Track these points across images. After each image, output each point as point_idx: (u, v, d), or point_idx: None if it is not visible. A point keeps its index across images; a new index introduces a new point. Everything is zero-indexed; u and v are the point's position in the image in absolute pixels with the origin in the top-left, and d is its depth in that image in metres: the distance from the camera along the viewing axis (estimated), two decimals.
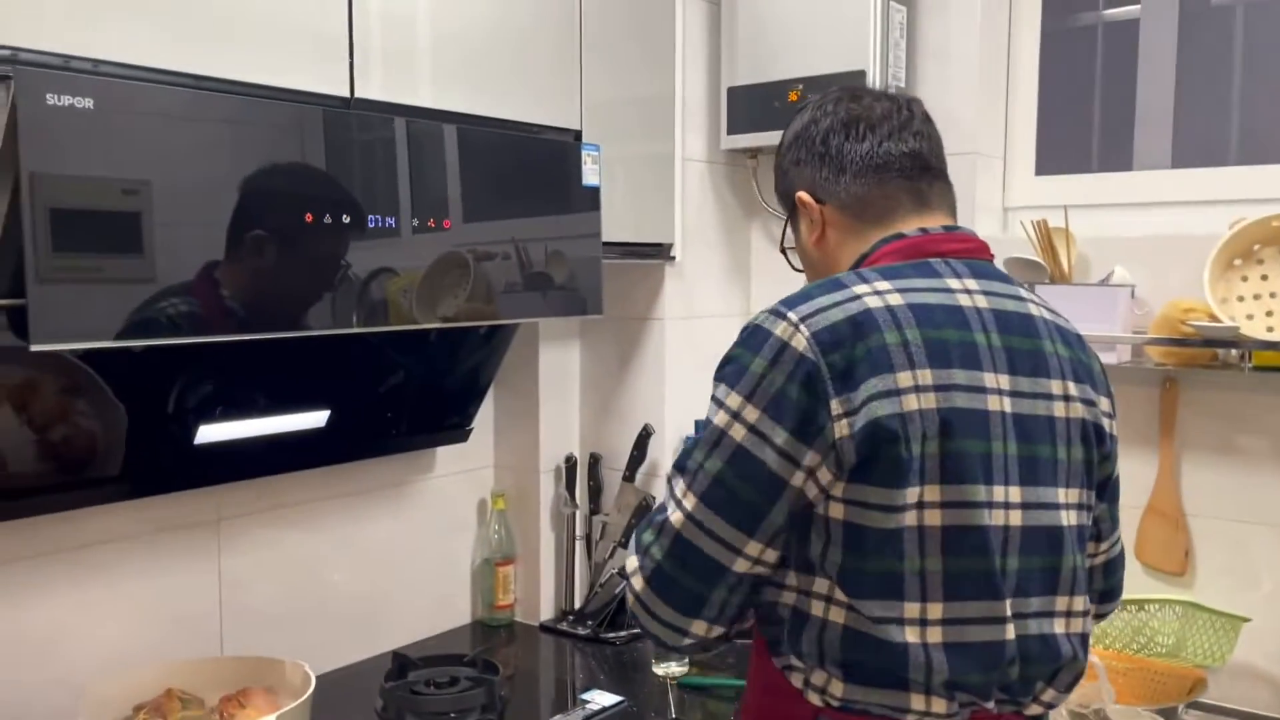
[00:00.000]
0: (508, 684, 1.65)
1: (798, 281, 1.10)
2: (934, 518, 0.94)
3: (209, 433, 1.49)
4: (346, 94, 1.32)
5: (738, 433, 0.96)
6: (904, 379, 0.94)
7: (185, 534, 1.55)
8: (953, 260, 1.04)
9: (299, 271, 1.25)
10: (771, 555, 0.98)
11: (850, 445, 0.93)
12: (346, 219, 1.27)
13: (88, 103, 1.03)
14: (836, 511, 0.96)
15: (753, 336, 0.98)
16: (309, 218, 1.23)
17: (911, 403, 0.93)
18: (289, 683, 1.40)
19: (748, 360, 0.97)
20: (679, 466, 1.01)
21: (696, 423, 1.88)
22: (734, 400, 0.96)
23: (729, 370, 0.98)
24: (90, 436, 1.41)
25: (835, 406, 0.93)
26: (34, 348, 1.02)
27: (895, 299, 0.97)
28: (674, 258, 1.90)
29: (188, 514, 1.56)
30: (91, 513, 1.45)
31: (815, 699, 0.99)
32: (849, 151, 1.08)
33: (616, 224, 1.69)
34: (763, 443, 0.94)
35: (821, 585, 0.98)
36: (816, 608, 0.99)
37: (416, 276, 1.35)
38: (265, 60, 1.23)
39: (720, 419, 0.97)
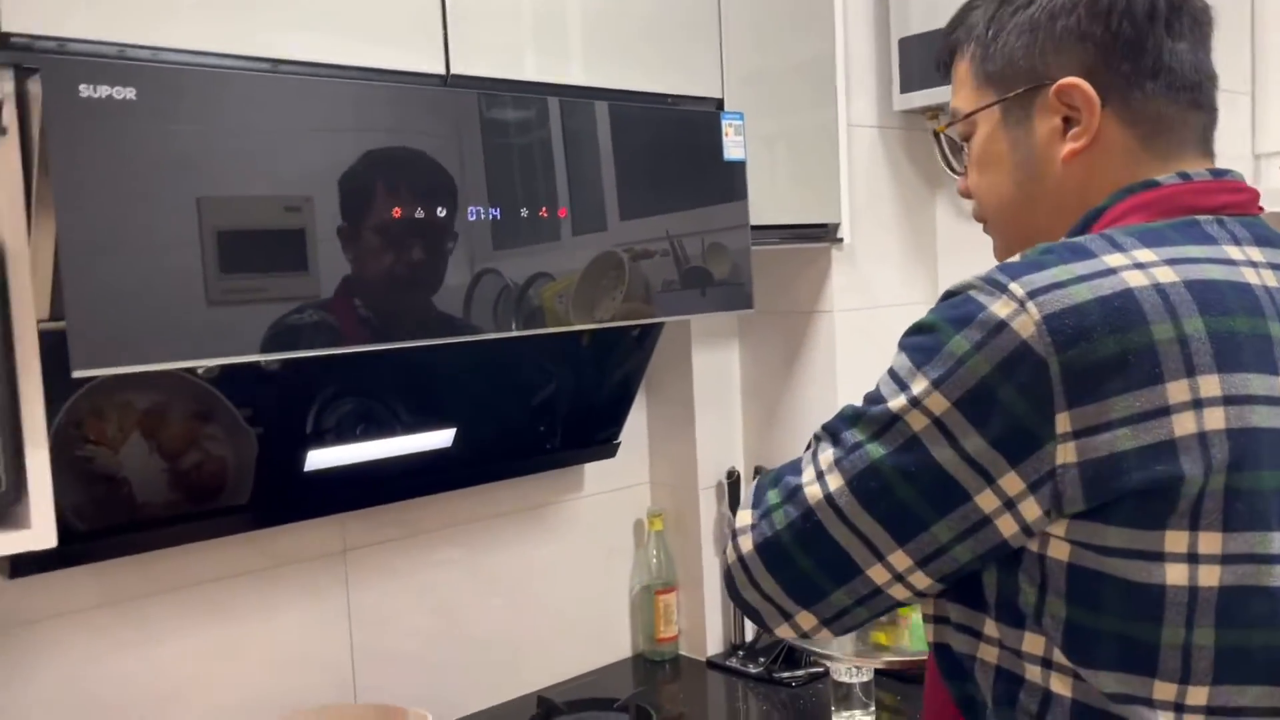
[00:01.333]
0: None
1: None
2: (1210, 576, 0.68)
3: (335, 456, 1.38)
4: (443, 71, 1.15)
5: (916, 422, 0.74)
6: (1177, 391, 0.67)
7: (310, 567, 1.44)
8: (1227, 219, 0.76)
9: (443, 273, 1.11)
10: (924, 582, 0.77)
11: (1077, 479, 0.68)
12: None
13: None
14: (1058, 551, 0.71)
15: (957, 307, 0.73)
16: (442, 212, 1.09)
17: (1188, 424, 0.67)
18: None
19: (946, 336, 0.73)
20: (831, 431, 0.81)
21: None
22: (919, 382, 0.74)
23: (918, 343, 0.75)
24: (220, 463, 1.32)
25: (1064, 423, 0.68)
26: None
27: (1166, 275, 0.70)
28: (841, 240, 1.65)
29: (315, 545, 1.45)
30: (214, 546, 1.35)
31: None
32: (1167, 49, 0.79)
33: (775, 204, 1.47)
34: (946, 443, 0.73)
35: (1034, 644, 0.74)
36: (1032, 672, 0.75)
37: (573, 280, 1.21)
38: (363, 39, 1.08)
39: (896, 402, 0.75)
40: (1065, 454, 0.68)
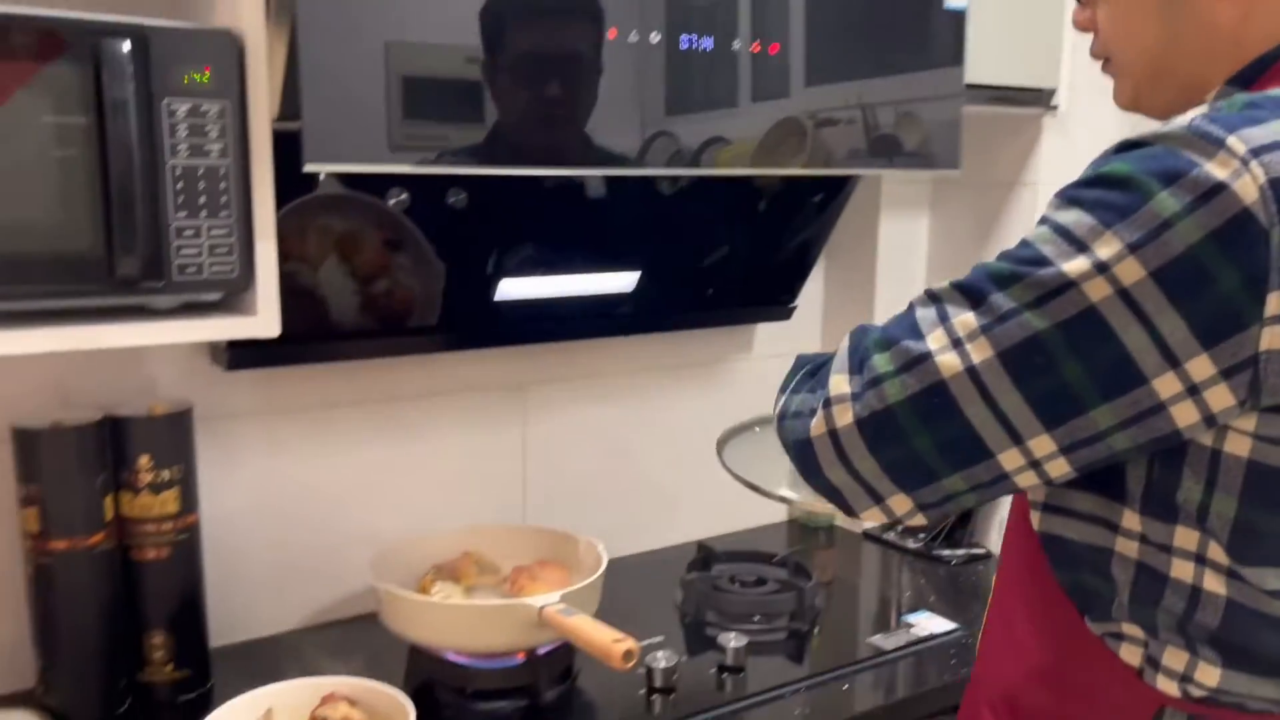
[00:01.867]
0: (821, 592, 1.46)
1: None
2: None
3: (521, 288, 1.40)
4: None
5: (1096, 291, 0.65)
6: None
7: (492, 396, 1.49)
8: None
9: (638, 103, 1.08)
10: (1061, 470, 0.70)
11: None
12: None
13: None
14: (1237, 447, 0.66)
15: (1159, 160, 0.64)
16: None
17: None
18: (582, 561, 1.30)
19: (1148, 192, 0.63)
20: (971, 291, 0.70)
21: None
22: (1107, 245, 0.64)
23: (1106, 199, 0.65)
24: (408, 291, 1.37)
25: (1276, 304, 0.62)
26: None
27: None
28: (1055, 107, 1.54)
29: (496, 376, 1.49)
30: (404, 365, 1.41)
31: (1167, 686, 0.73)
32: None
33: (981, 62, 1.38)
34: (1133, 317, 0.64)
35: (1188, 539, 0.70)
36: (1181, 569, 0.71)
37: (751, 144, 1.17)
38: None
39: (1073, 265, 0.65)
40: (1272, 339, 0.62)
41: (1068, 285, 0.66)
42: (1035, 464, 0.70)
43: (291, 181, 0.97)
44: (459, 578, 1.29)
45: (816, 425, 0.75)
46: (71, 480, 1.07)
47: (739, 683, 1.22)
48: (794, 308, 1.68)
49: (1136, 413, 0.66)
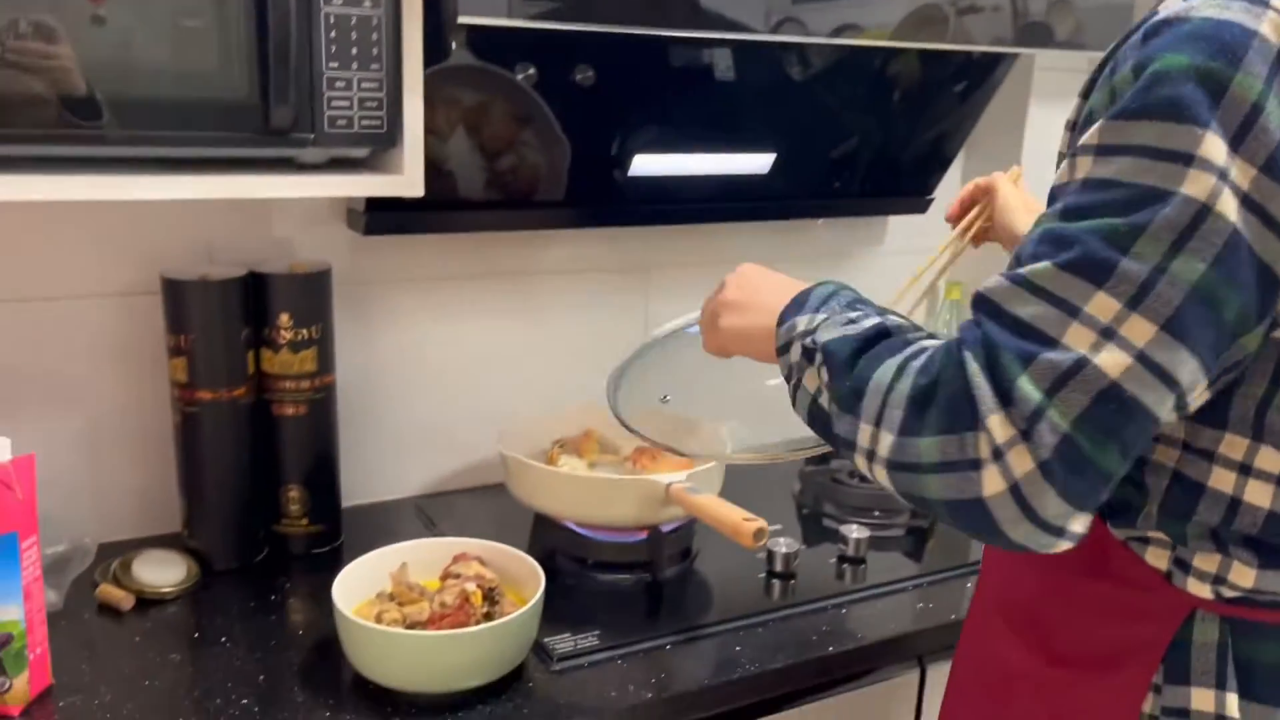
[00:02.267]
0: None
1: None
2: None
3: (647, 166, 1.37)
4: None
5: (1227, 207, 0.59)
6: None
7: (617, 276, 1.47)
8: None
9: None
10: (1201, 399, 0.66)
11: None
12: None
13: None
14: None
15: (1211, 38, 0.59)
16: None
17: None
18: (704, 446, 1.29)
19: (1226, 77, 0.58)
20: (1082, 266, 0.61)
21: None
22: (1212, 146, 0.58)
23: (1183, 96, 0.58)
24: (535, 167, 1.35)
25: None
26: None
27: None
28: None
29: (621, 256, 1.47)
30: (531, 240, 1.40)
31: (1198, 589, 0.71)
32: None
33: None
34: (1264, 226, 0.59)
35: (1235, 447, 0.67)
36: (1220, 479, 0.68)
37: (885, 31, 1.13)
38: None
39: (1197, 185, 0.58)
40: None
41: (1203, 212, 0.59)
42: (1180, 407, 0.64)
43: (424, 51, 0.96)
44: (581, 454, 1.30)
45: (990, 483, 0.62)
46: (217, 332, 1.10)
47: (859, 574, 1.21)
48: (930, 200, 1.62)
49: (1268, 327, 0.64)
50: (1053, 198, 0.68)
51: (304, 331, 1.14)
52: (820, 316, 0.79)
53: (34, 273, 1.13)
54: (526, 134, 1.34)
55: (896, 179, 1.60)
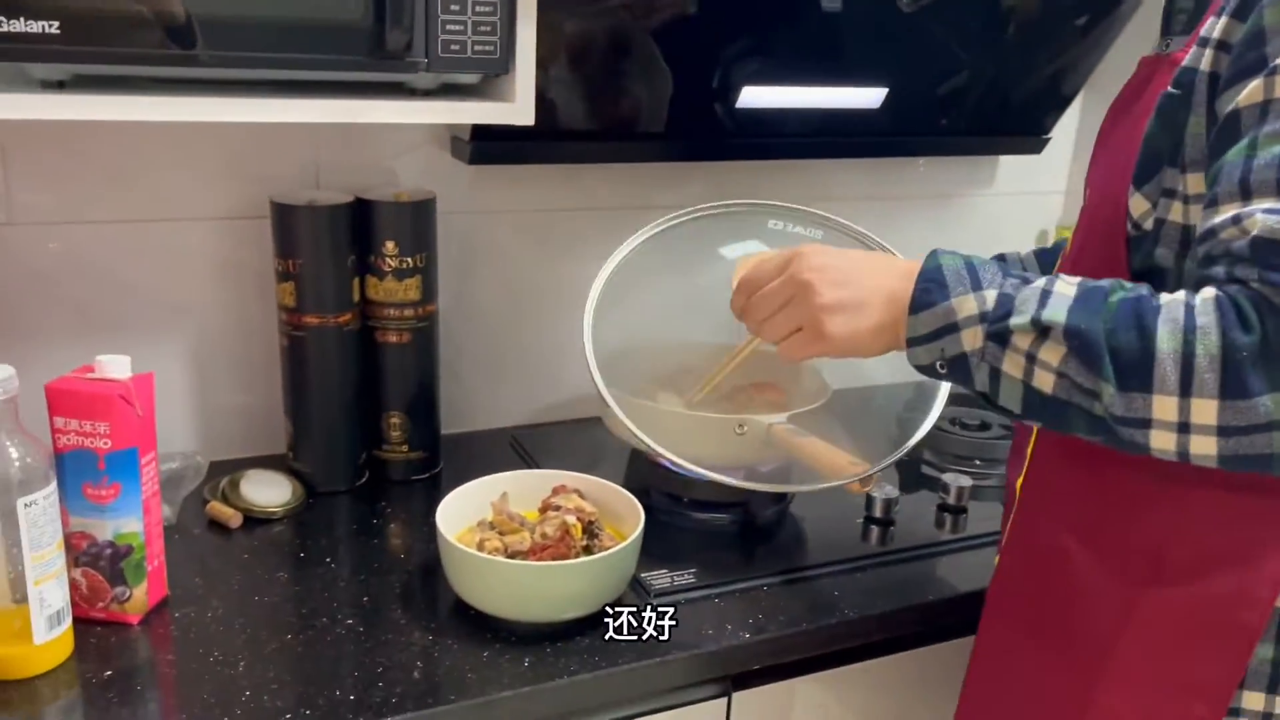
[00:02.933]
0: None
1: None
2: None
3: (751, 98, 1.33)
4: None
5: None
6: None
7: (721, 217, 1.44)
8: None
9: None
10: None
11: None
12: None
13: None
14: None
15: None
16: None
17: None
18: (803, 388, 1.26)
19: None
20: None
21: None
22: None
23: None
24: (636, 99, 1.32)
25: None
26: None
27: None
28: None
29: (720, 193, 1.44)
30: (633, 173, 1.38)
31: None
32: None
33: None
34: None
35: None
36: None
37: None
38: None
39: None
40: None
41: None
42: None
43: None
44: (679, 390, 1.28)
45: None
46: (325, 258, 1.10)
47: (960, 523, 1.19)
48: (1047, 140, 1.55)
49: None
50: (1236, 116, 0.67)
51: (409, 260, 1.14)
52: (991, 292, 0.74)
53: (146, 195, 1.15)
54: (628, 64, 1.31)
55: (1010, 117, 1.54)
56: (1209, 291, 0.67)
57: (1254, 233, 0.65)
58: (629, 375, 1.29)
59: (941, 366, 0.77)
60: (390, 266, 1.14)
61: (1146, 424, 0.67)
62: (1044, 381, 0.71)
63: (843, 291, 0.81)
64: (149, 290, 1.17)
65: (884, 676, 1.05)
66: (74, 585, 0.90)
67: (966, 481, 1.21)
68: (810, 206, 1.48)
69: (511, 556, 0.95)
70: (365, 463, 1.21)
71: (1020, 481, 0.90)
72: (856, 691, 1.04)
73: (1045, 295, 0.72)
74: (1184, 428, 0.66)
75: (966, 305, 0.75)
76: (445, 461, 1.26)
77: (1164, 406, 0.66)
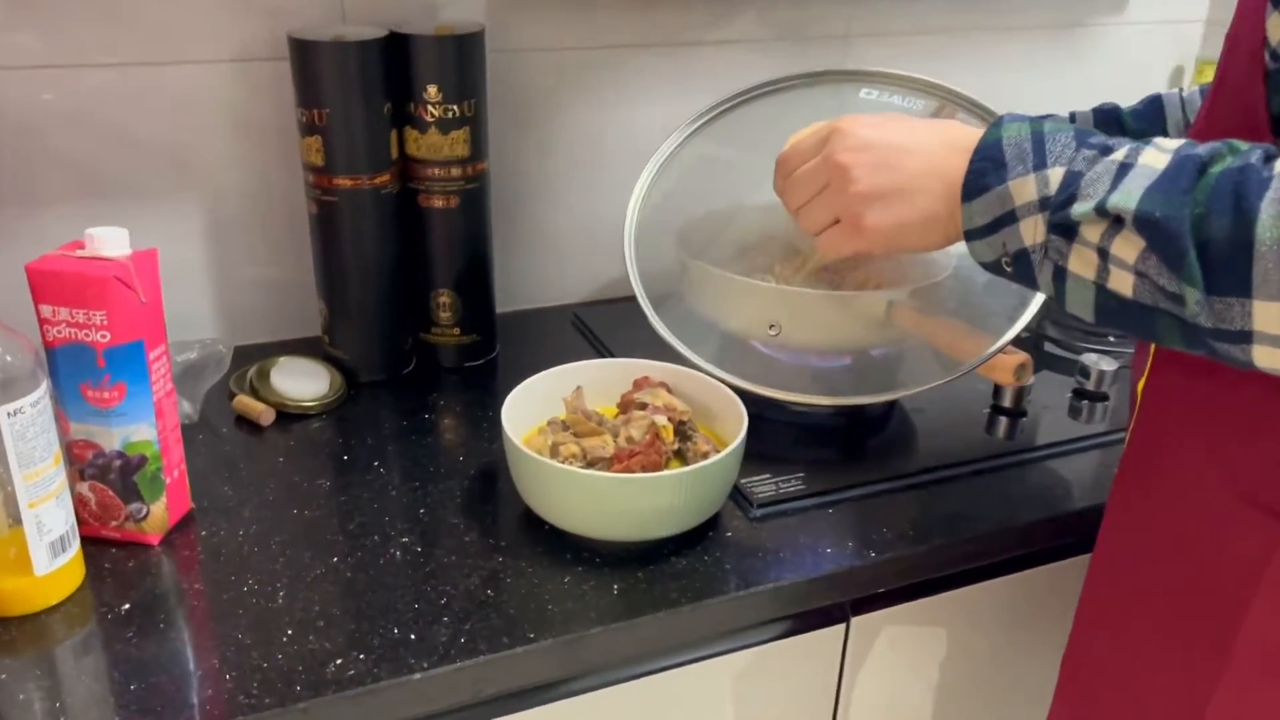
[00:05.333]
0: None
1: None
2: None
3: None
4: None
5: None
6: None
7: (809, 47, 1.24)
8: None
9: None
10: None
11: None
12: None
13: None
14: None
15: None
16: None
17: None
18: (910, 255, 1.08)
19: None
20: None
21: None
22: None
23: None
24: None
25: None
26: None
27: None
28: None
29: (815, 23, 1.23)
30: (711, 5, 1.17)
31: None
32: None
33: None
34: None
35: None
36: None
37: None
38: None
39: None
40: None
41: None
42: None
43: None
44: (770, 261, 1.11)
45: None
46: (356, 107, 0.92)
47: (1102, 412, 1.02)
48: None
49: None
50: None
51: (454, 108, 0.96)
52: (1057, 170, 0.57)
53: (140, 32, 0.96)
54: None
55: None
56: None
57: None
58: (706, 243, 1.12)
59: (1007, 265, 0.61)
60: (434, 116, 0.96)
61: (1246, 338, 0.51)
62: (1121, 283, 0.55)
63: (884, 176, 0.66)
64: (150, 147, 1.00)
65: (1018, 593, 0.91)
66: (81, 502, 0.77)
67: (1110, 364, 1.03)
68: (903, 39, 1.27)
69: (591, 464, 0.80)
70: (412, 348, 1.06)
71: (1142, 385, 0.73)
72: (987, 611, 0.90)
73: (1123, 170, 0.54)
74: None
75: (1025, 189, 0.58)
76: (501, 345, 1.11)
77: (1267, 315, 0.50)
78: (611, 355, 1.09)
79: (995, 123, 0.62)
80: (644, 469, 0.78)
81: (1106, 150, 0.57)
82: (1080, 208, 0.55)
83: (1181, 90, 1.02)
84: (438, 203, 0.99)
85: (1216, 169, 0.52)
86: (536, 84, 1.13)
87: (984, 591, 0.88)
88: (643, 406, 0.84)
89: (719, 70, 1.19)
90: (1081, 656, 0.77)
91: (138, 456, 0.76)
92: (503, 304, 1.15)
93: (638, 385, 0.88)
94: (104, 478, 0.76)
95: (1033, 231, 0.58)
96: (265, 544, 0.79)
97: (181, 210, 1.03)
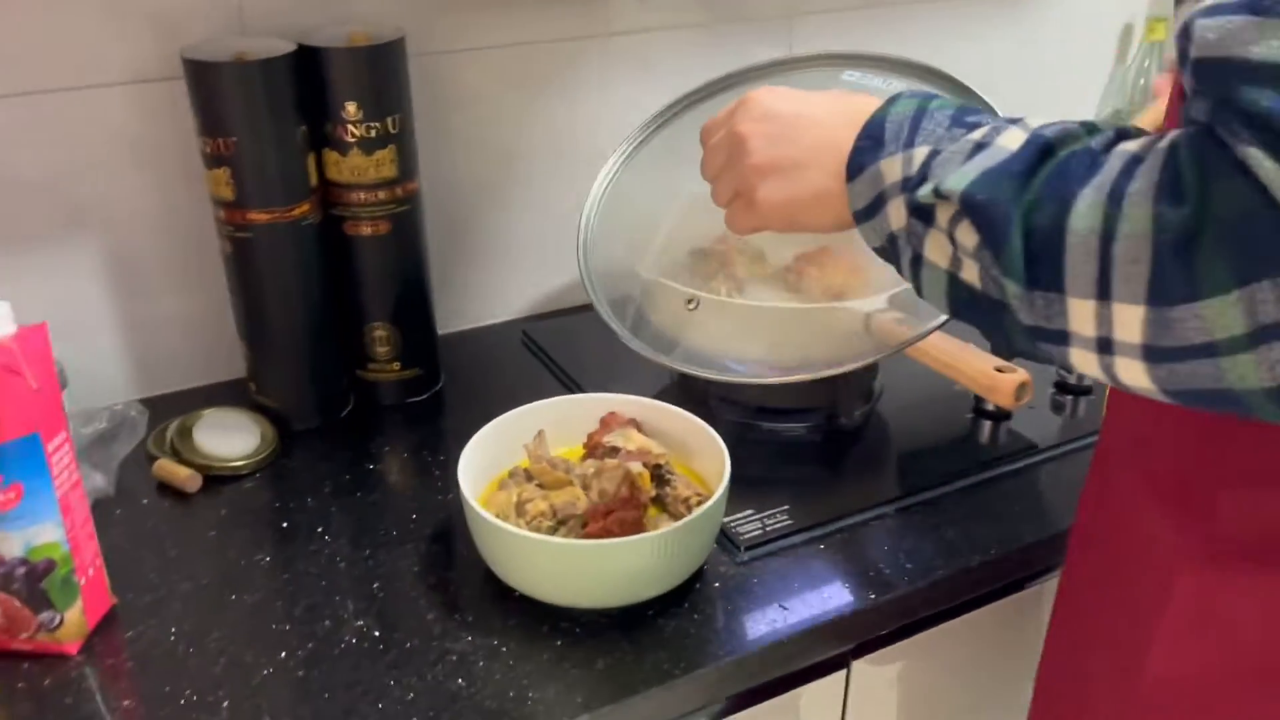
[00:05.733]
0: None
1: None
2: None
3: None
4: None
5: None
6: None
7: (750, 28, 1.16)
8: None
9: None
10: None
11: None
12: None
13: None
14: None
15: None
16: None
17: None
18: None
19: None
20: None
21: None
22: None
23: None
24: None
25: None
26: None
27: None
28: None
29: (757, 3, 1.15)
30: None
31: None
32: None
33: None
34: None
35: None
36: None
37: None
38: None
39: None
40: None
41: None
42: None
43: None
44: (729, 268, 1.03)
45: None
46: (265, 131, 0.82)
47: (1083, 410, 0.97)
48: None
49: None
50: None
51: (377, 125, 0.86)
52: (922, 150, 0.52)
53: (9, 58, 0.84)
54: None
55: None
56: (1172, 137, 0.43)
57: (1192, 52, 0.42)
58: (658, 249, 1.04)
59: (889, 253, 0.56)
60: (355, 136, 0.86)
61: (1064, 338, 0.46)
62: (971, 273, 0.50)
63: (778, 149, 0.62)
64: (38, 187, 0.89)
65: (1025, 610, 0.86)
66: None
67: None
68: (844, 15, 1.20)
69: (562, 522, 0.73)
70: (348, 387, 0.97)
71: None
72: (991, 635, 0.85)
73: (976, 150, 0.50)
74: (1105, 345, 0.45)
75: (892, 168, 0.54)
76: (446, 375, 1.02)
77: (1079, 314, 0.45)
78: (566, 376, 1.02)
79: (891, 98, 0.57)
80: (622, 526, 0.70)
81: (973, 129, 0.52)
82: (924, 189, 0.51)
83: None
84: (366, 230, 0.90)
85: (1063, 153, 0.47)
86: (466, 88, 1.03)
87: (989, 614, 0.83)
88: (614, 451, 0.77)
89: (660, 58, 1.11)
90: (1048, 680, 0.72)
91: (44, 561, 0.66)
92: (444, 324, 1.06)
93: (605, 424, 0.81)
94: (7, 588, 0.66)
95: (897, 214, 0.53)
96: (202, 642, 0.70)
97: (77, 254, 0.92)
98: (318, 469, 0.89)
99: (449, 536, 0.80)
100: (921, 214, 0.52)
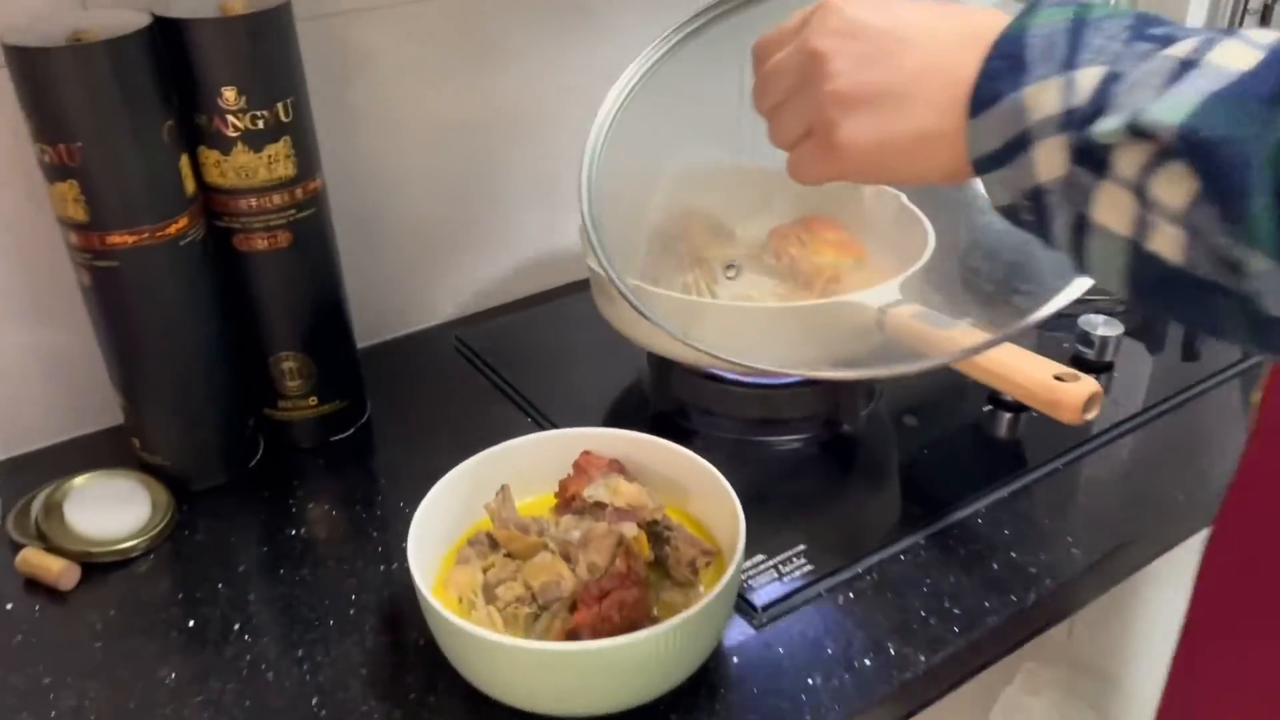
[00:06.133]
0: None
1: None
2: None
3: None
4: None
5: None
6: None
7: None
8: None
9: None
10: None
11: None
12: None
13: None
14: None
15: None
16: None
17: None
18: (873, 218, 0.89)
19: None
20: None
21: None
22: None
23: None
24: None
25: None
26: None
27: None
28: None
29: None
30: None
31: None
32: None
33: None
34: None
35: None
36: None
37: None
38: None
39: None
40: None
41: None
42: None
43: None
44: (694, 248, 0.89)
45: None
46: (120, 131, 0.64)
47: (1107, 385, 0.86)
48: None
49: None
50: None
51: (264, 114, 0.69)
52: (1093, 71, 0.38)
53: None
54: None
55: None
56: None
57: None
58: (611, 233, 0.89)
59: (1028, 213, 0.42)
60: (237, 129, 0.69)
61: None
62: (1166, 242, 0.36)
63: (869, 73, 0.45)
64: None
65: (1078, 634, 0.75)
66: None
67: (1113, 329, 0.87)
68: None
69: (545, 607, 0.58)
70: (255, 430, 0.80)
71: (1258, 398, 0.56)
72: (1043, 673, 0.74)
73: (1183, 69, 0.35)
74: None
75: (1045, 96, 0.39)
76: (373, 403, 0.86)
77: None
78: (512, 389, 0.87)
79: (1030, 6, 0.41)
80: (622, 611, 0.56)
81: (1168, 41, 0.37)
82: (1107, 124, 0.36)
83: None
84: (261, 243, 0.73)
85: None
86: (370, 54, 0.86)
87: (1037, 647, 0.72)
88: (599, 508, 0.62)
89: (605, 18, 0.95)
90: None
91: None
92: (364, 337, 0.90)
93: (580, 469, 0.66)
94: None
95: (1050, 160, 0.39)
96: None
97: None
98: (227, 542, 0.72)
99: (399, 621, 0.65)
100: (1092, 160, 0.37)
